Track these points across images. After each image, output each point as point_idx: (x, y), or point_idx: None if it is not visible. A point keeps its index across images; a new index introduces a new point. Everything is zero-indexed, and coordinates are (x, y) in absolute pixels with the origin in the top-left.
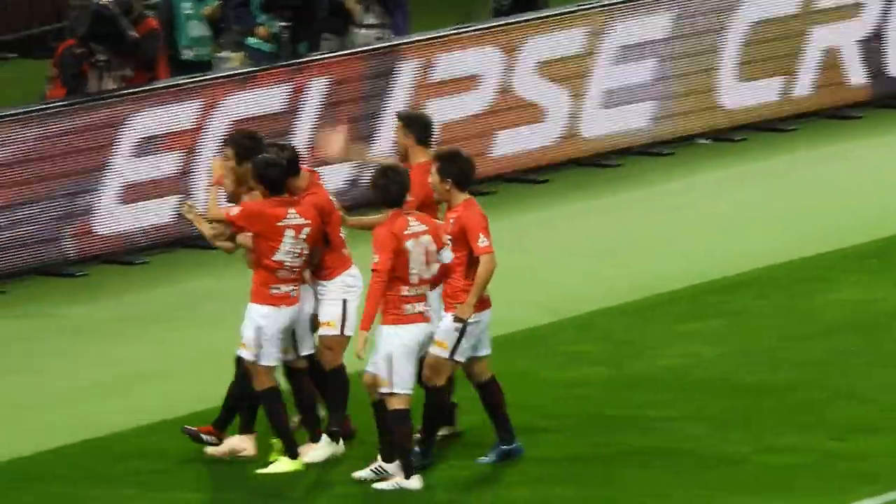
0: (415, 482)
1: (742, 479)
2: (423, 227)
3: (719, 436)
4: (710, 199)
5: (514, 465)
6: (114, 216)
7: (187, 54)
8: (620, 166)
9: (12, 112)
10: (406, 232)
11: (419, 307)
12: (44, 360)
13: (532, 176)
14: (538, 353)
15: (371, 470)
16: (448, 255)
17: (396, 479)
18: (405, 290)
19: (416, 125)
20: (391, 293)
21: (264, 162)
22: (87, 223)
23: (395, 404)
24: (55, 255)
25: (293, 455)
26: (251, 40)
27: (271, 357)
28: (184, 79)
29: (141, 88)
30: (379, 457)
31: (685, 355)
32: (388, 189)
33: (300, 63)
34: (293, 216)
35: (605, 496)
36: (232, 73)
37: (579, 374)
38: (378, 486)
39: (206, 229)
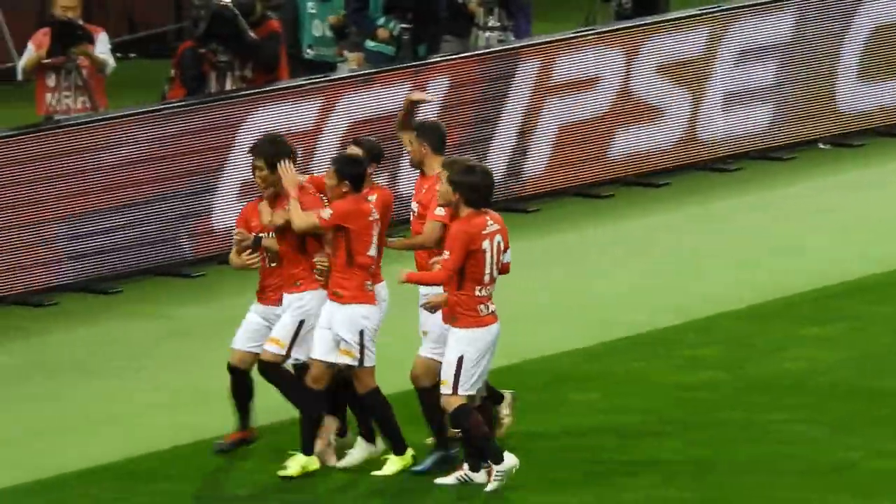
0: (510, 460)
1: (853, 484)
2: (497, 227)
3: (835, 440)
4: (829, 203)
5: (632, 467)
6: (232, 217)
7: (309, 53)
8: (740, 170)
9: (132, 112)
10: (484, 231)
11: (491, 307)
12: (154, 361)
13: (651, 179)
14: (657, 356)
15: (456, 477)
16: (509, 256)
17: (463, 471)
18: (479, 291)
19: (430, 134)
20: (464, 294)
21: (345, 159)
22: (205, 224)
23: (454, 403)
24: (173, 256)
25: (400, 451)
26: (370, 43)
27: (373, 357)
28: (303, 80)
29: (260, 89)
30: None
31: (805, 359)
32: (476, 188)
33: (419, 65)
34: (374, 212)
35: (720, 498)
36: (351, 74)
37: (698, 378)
38: (443, 480)
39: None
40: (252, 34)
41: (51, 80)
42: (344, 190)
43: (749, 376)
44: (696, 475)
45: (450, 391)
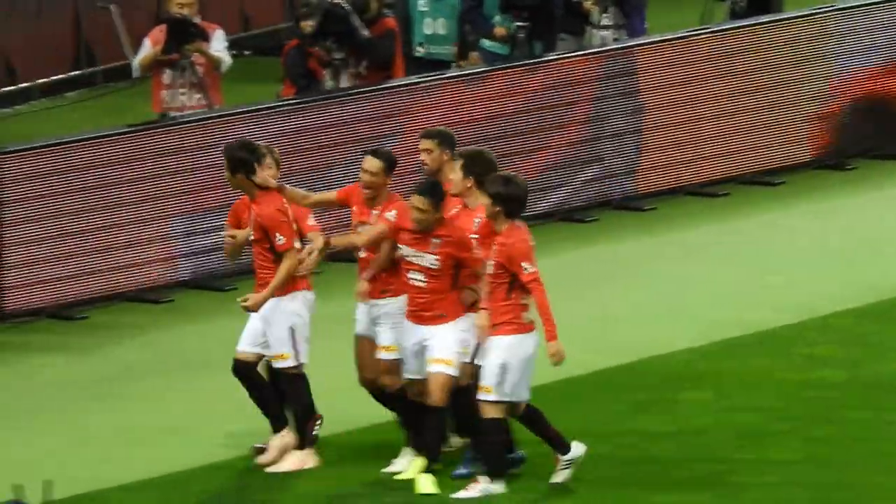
0: (577, 449)
1: None
2: None
3: None
4: None
5: (751, 466)
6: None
7: (420, 51)
8: (854, 169)
9: (247, 109)
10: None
11: (530, 315)
12: None
13: (767, 178)
14: (776, 355)
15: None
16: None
17: (483, 485)
18: (524, 299)
19: (450, 141)
20: (513, 302)
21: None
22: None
23: (491, 412)
24: None
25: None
26: (486, 42)
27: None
28: (415, 78)
29: (372, 86)
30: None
31: None
32: (518, 199)
33: (534, 63)
34: None
35: (842, 499)
36: (465, 72)
37: (817, 376)
38: (462, 494)
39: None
40: (365, 31)
41: (166, 78)
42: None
43: (869, 375)
44: (817, 474)
45: (493, 398)
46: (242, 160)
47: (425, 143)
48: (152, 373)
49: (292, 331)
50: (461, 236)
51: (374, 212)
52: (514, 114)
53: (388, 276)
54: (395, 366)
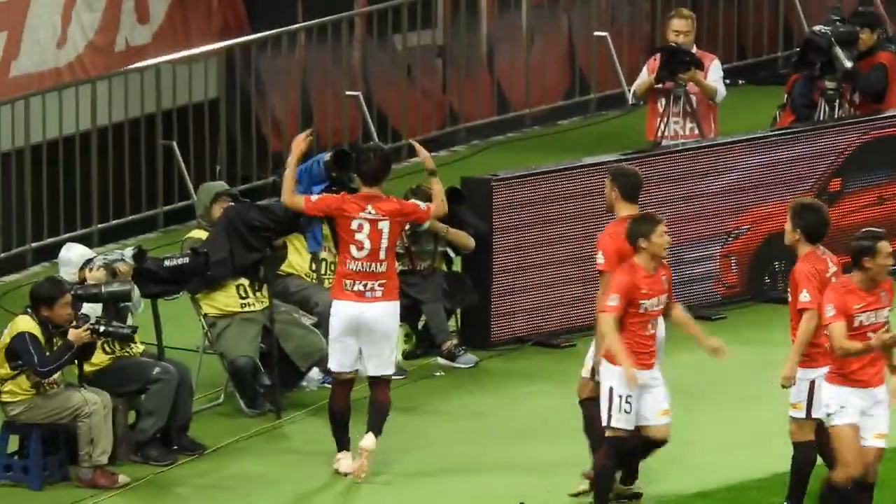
0: None
1: None
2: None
3: None
4: None
5: None
6: None
7: None
8: None
9: (737, 139)
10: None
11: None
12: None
13: None
14: None
15: None
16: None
17: None
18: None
19: (622, 180)
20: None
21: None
22: None
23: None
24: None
25: None
26: None
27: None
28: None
29: (861, 118)
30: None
31: None
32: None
33: None
34: None
35: None
36: None
37: None
38: None
39: None
40: (848, 63)
41: (660, 106)
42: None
43: None
44: None
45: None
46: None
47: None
48: None
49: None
50: None
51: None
52: None
53: None
54: None
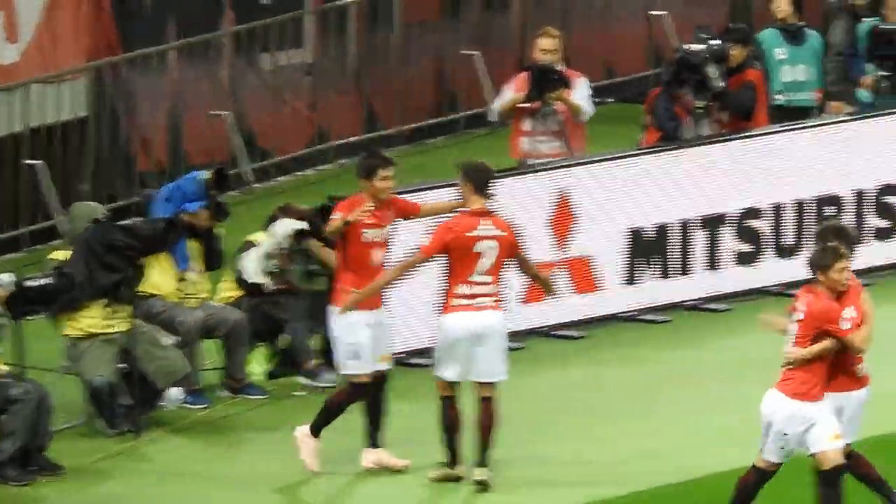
0: None
1: None
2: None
3: None
4: None
5: None
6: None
7: (779, 99)
8: None
9: (601, 157)
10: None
11: None
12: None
13: None
14: None
15: None
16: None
17: None
18: None
19: (474, 174)
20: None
21: None
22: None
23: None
24: None
25: None
26: (861, 93)
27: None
28: (778, 127)
29: (729, 135)
30: None
31: None
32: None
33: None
34: None
35: None
36: (825, 122)
37: None
38: None
39: None
40: (720, 81)
41: (526, 125)
42: None
43: None
44: None
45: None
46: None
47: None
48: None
49: None
50: None
51: None
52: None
53: None
54: None
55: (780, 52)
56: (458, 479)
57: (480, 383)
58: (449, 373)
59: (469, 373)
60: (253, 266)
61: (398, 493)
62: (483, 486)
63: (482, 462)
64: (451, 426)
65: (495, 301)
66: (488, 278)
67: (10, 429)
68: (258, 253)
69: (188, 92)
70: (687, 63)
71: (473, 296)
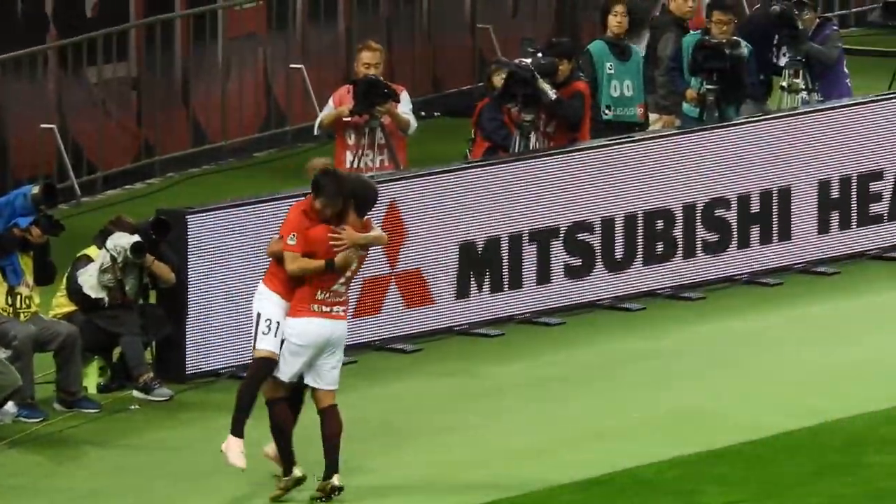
0: None
1: None
2: None
3: None
4: None
5: None
6: None
7: (607, 114)
8: None
9: (431, 171)
10: None
11: None
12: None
13: None
14: None
15: None
16: None
17: None
18: None
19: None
20: None
21: None
22: None
23: None
24: None
25: None
26: (686, 107)
27: None
28: (606, 140)
29: (561, 149)
30: None
31: None
32: None
33: (724, 126)
34: None
35: None
36: (654, 135)
37: None
38: None
39: None
40: (552, 94)
41: (350, 139)
42: None
43: None
44: None
45: None
46: None
47: None
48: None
49: None
50: None
51: None
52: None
53: None
54: None
55: (609, 67)
56: (301, 480)
57: (325, 391)
58: (290, 375)
59: (309, 379)
60: (91, 281)
61: None
62: (341, 490)
63: (337, 468)
64: (286, 429)
65: (344, 311)
66: (344, 287)
67: None
68: (95, 268)
69: (14, 105)
70: (518, 77)
71: (333, 304)
